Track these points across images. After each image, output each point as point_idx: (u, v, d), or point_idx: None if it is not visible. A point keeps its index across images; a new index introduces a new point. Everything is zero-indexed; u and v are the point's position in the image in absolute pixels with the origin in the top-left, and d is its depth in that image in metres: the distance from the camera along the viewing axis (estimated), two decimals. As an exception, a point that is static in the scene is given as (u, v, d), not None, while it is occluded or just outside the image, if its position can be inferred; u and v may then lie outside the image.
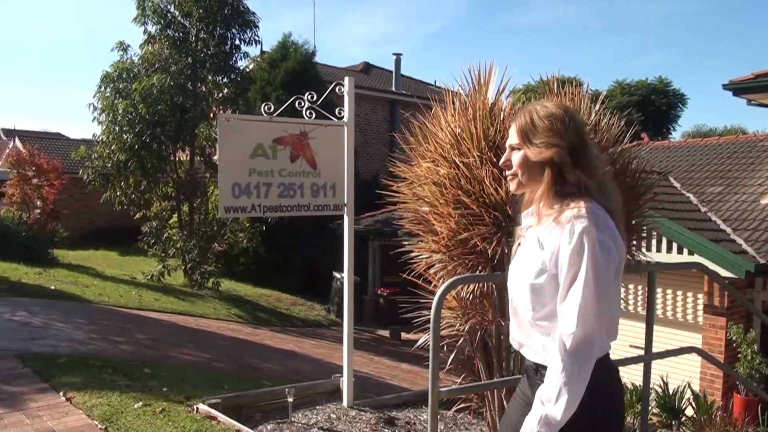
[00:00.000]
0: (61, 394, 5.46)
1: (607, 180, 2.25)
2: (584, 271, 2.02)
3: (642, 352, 4.14)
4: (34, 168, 18.41)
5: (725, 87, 10.73)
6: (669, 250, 9.73)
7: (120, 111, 15.61)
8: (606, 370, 2.20)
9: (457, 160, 3.50)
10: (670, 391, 7.79)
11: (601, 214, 2.09)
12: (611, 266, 2.07)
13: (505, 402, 3.79)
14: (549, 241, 2.13)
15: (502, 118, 3.56)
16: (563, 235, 2.07)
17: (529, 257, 2.21)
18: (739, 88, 10.70)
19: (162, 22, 16.73)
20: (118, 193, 16.76)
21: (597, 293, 2.03)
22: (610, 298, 2.09)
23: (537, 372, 2.27)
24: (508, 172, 2.32)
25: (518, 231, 2.36)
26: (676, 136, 37.01)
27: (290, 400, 5.17)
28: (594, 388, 2.07)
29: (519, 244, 2.34)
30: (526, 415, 2.17)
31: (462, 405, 5.41)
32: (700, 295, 10.01)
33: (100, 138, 16.43)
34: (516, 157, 2.27)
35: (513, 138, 2.28)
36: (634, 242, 4.07)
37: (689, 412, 7.66)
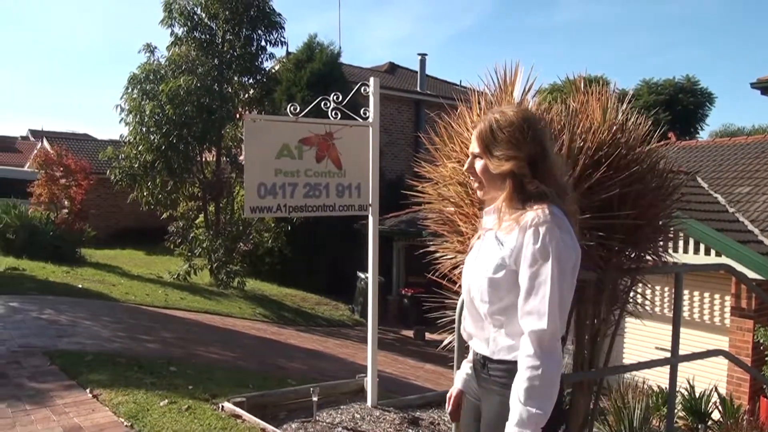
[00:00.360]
0: (87, 391, 5.52)
1: (567, 184, 2.36)
2: (550, 270, 2.10)
3: (668, 355, 4.10)
4: (61, 168, 18.59)
5: (753, 86, 10.63)
6: (696, 251, 9.64)
7: (147, 112, 15.74)
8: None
9: (482, 161, 3.49)
10: (697, 395, 7.71)
11: (562, 217, 2.17)
12: (573, 266, 2.16)
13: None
14: (509, 239, 2.20)
15: (527, 118, 3.55)
16: (527, 236, 2.13)
17: (488, 254, 2.28)
18: (767, 87, 10.58)
19: (189, 24, 16.85)
20: (145, 193, 16.88)
21: (562, 291, 2.12)
22: (571, 296, 2.18)
23: (485, 366, 2.34)
24: (472, 179, 2.41)
25: (479, 227, 2.46)
26: (704, 135, 36.63)
27: (315, 399, 5.19)
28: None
29: (479, 238, 2.43)
30: (476, 412, 2.35)
31: (486, 406, 5.39)
32: (727, 297, 9.90)
33: (128, 139, 16.57)
34: (478, 166, 2.34)
35: (474, 146, 2.35)
36: (661, 243, 4.03)
37: (716, 415, 7.58)
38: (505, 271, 2.20)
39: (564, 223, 2.16)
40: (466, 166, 2.44)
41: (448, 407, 2.68)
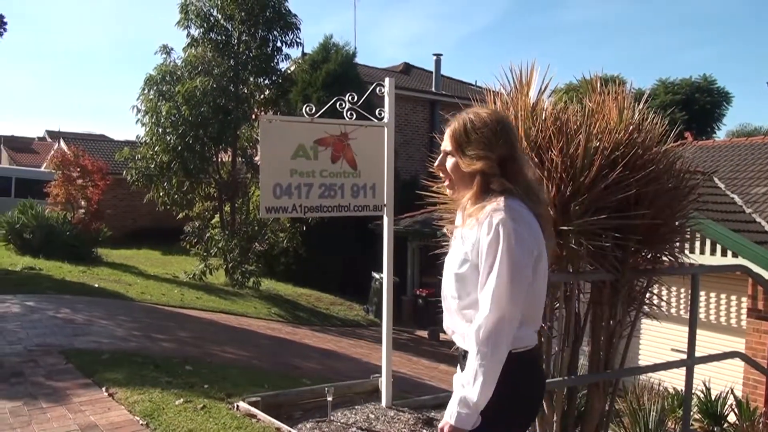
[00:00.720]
0: (103, 389, 5.55)
1: (536, 187, 2.42)
2: (499, 259, 2.15)
3: (684, 356, 4.08)
4: (78, 169, 18.68)
5: (770, 85, 10.52)
6: (713, 252, 9.58)
7: (163, 113, 15.81)
8: (525, 364, 2.33)
9: (497, 161, 3.49)
10: (712, 397, 7.66)
11: (519, 209, 2.23)
12: (526, 257, 2.20)
13: (545, 405, 3.77)
14: (470, 234, 2.26)
15: (543, 117, 3.54)
16: (482, 228, 2.20)
17: (454, 251, 2.38)
18: (785, 87, 10.48)
19: (205, 25, 16.93)
20: (161, 194, 16.93)
21: (510, 280, 2.15)
22: (523, 287, 2.20)
23: (465, 358, 2.37)
24: (442, 175, 2.49)
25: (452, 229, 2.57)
26: (721, 135, 36.39)
27: (329, 399, 5.19)
28: (509, 380, 2.20)
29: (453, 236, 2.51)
30: None
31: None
32: (743, 299, 9.83)
33: (144, 139, 16.65)
34: (449, 163, 2.41)
35: (446, 144, 2.42)
36: (677, 244, 4.02)
37: (731, 418, 7.52)
38: (468, 264, 2.28)
39: (519, 215, 2.20)
40: (436, 162, 2.50)
41: None
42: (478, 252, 2.21)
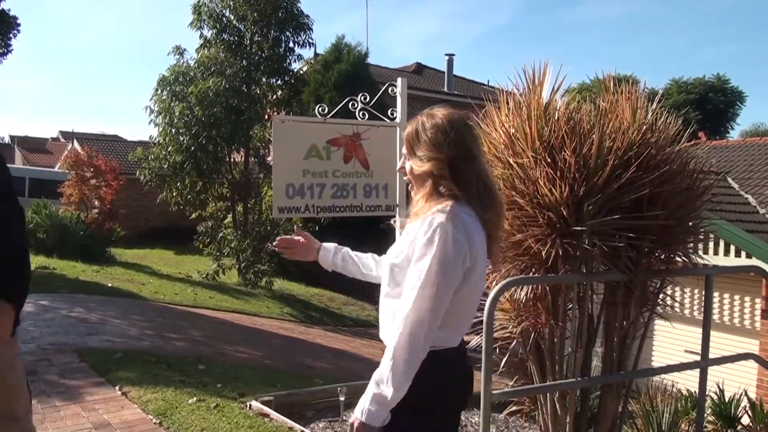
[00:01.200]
0: (116, 388, 5.58)
1: (494, 189, 2.40)
2: (429, 259, 2.15)
3: (698, 358, 4.06)
4: (91, 169, 18.79)
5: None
6: (726, 252, 9.52)
7: (176, 113, 15.87)
8: (443, 363, 2.30)
9: (510, 161, 3.47)
10: (726, 399, 7.62)
11: (463, 216, 2.22)
12: (457, 262, 2.18)
13: (558, 406, 3.76)
14: (411, 228, 2.28)
15: (556, 117, 3.53)
16: (423, 225, 2.20)
17: (397, 242, 2.42)
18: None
19: (217, 26, 16.99)
20: (174, 194, 17.00)
21: (437, 282, 2.15)
22: (449, 289, 2.19)
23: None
24: (405, 178, 2.49)
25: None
26: (735, 134, 36.26)
27: (342, 399, 5.20)
28: (425, 377, 2.20)
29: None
30: None
31: (514, 408, 5.38)
32: (758, 300, 9.77)
33: (157, 140, 16.72)
34: (407, 165, 2.43)
35: (404, 146, 2.47)
36: (691, 244, 3.99)
37: (745, 420, 7.48)
38: (403, 256, 2.28)
39: (460, 222, 2.20)
40: (398, 165, 2.58)
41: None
42: (414, 247, 2.22)
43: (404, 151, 2.46)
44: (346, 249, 2.95)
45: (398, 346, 2.16)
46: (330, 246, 2.97)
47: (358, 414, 2.21)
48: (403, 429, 2.25)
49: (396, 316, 2.22)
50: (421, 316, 2.15)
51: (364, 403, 2.20)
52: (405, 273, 2.26)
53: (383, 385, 2.16)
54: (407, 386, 2.16)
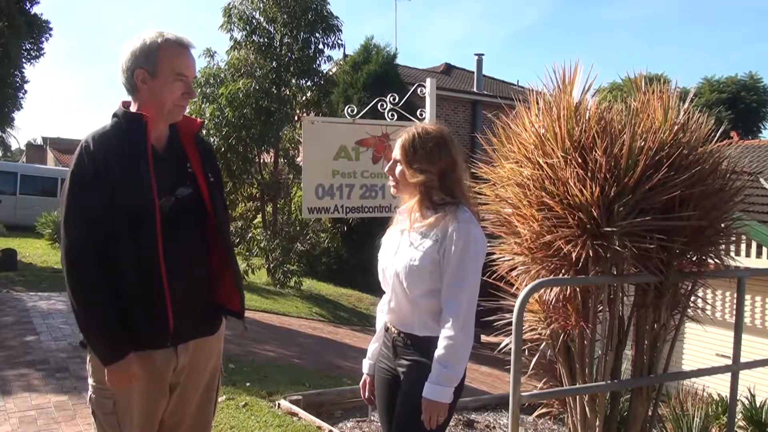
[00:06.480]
0: (148, 387, 5.61)
1: (468, 191, 2.80)
2: (469, 262, 2.55)
3: (729, 361, 4.00)
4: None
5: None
6: (759, 254, 9.40)
7: (207, 115, 15.97)
8: None
9: (540, 161, 3.44)
10: (758, 404, 7.51)
11: (474, 217, 2.67)
12: (484, 256, 2.66)
13: (587, 408, 3.72)
14: (432, 234, 2.62)
15: (587, 117, 3.49)
16: (450, 233, 2.56)
17: (412, 248, 2.67)
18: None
19: (247, 28, 17.10)
20: (204, 194, 17.08)
21: (476, 279, 2.60)
22: (478, 284, 2.64)
23: (405, 344, 2.73)
24: (391, 179, 2.82)
25: (395, 219, 2.92)
26: (767, 134, 35.73)
27: (370, 399, 5.20)
28: None
29: (388, 227, 2.98)
30: (394, 387, 2.75)
31: (543, 410, 5.34)
32: (793, 304, 9.63)
33: (188, 141, 16.80)
34: (398, 170, 2.76)
35: (396, 153, 2.79)
36: (723, 246, 3.94)
37: (778, 425, 7.37)
38: (429, 261, 2.59)
39: (474, 220, 2.64)
40: (387, 167, 2.86)
41: (365, 395, 3.10)
42: (445, 252, 2.56)
43: (396, 156, 2.76)
44: (375, 348, 3.10)
45: (457, 332, 2.50)
46: (371, 362, 3.12)
47: (429, 394, 2.51)
48: (452, 404, 2.57)
49: (450, 311, 2.54)
50: (472, 306, 2.57)
51: (433, 383, 2.52)
52: (431, 275, 2.59)
53: (449, 366, 2.51)
54: (465, 366, 2.58)
